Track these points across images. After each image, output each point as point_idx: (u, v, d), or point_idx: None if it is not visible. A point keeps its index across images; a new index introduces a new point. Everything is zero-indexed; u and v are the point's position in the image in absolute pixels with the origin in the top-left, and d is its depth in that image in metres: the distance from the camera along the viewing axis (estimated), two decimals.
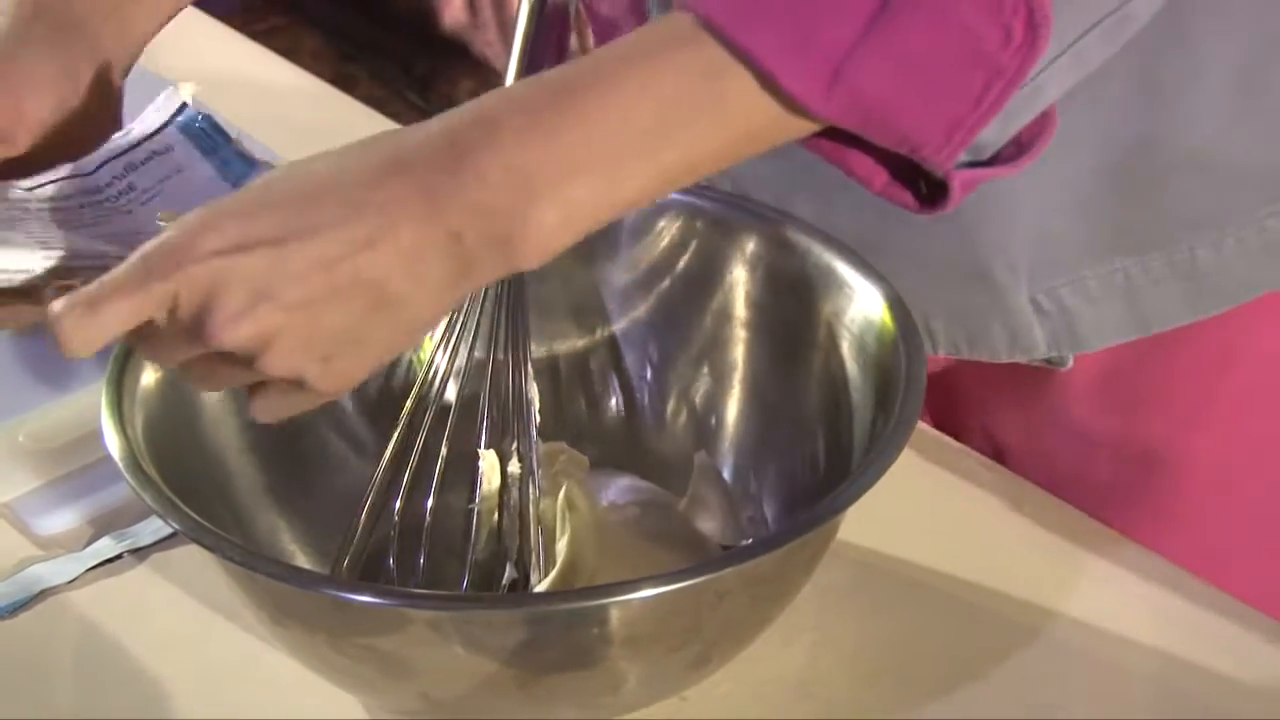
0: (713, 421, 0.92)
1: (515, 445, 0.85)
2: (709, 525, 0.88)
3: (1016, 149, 0.73)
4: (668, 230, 0.91)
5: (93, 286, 0.65)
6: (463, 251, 0.65)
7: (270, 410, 0.71)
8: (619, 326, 0.94)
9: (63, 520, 0.92)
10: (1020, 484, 0.96)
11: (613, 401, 0.94)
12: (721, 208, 0.90)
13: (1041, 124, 0.74)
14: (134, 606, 0.88)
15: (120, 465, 0.76)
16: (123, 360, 0.82)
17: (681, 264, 0.92)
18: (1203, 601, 0.88)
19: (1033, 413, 1.01)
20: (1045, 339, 0.96)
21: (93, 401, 0.96)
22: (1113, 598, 0.88)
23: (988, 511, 0.94)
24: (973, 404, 1.05)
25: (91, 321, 0.65)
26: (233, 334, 0.65)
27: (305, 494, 0.88)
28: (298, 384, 0.68)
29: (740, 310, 0.90)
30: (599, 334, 0.94)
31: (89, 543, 0.91)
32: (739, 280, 0.90)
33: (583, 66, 0.68)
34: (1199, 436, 0.99)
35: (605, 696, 0.78)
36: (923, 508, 0.92)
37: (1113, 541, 0.92)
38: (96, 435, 0.94)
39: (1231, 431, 1.00)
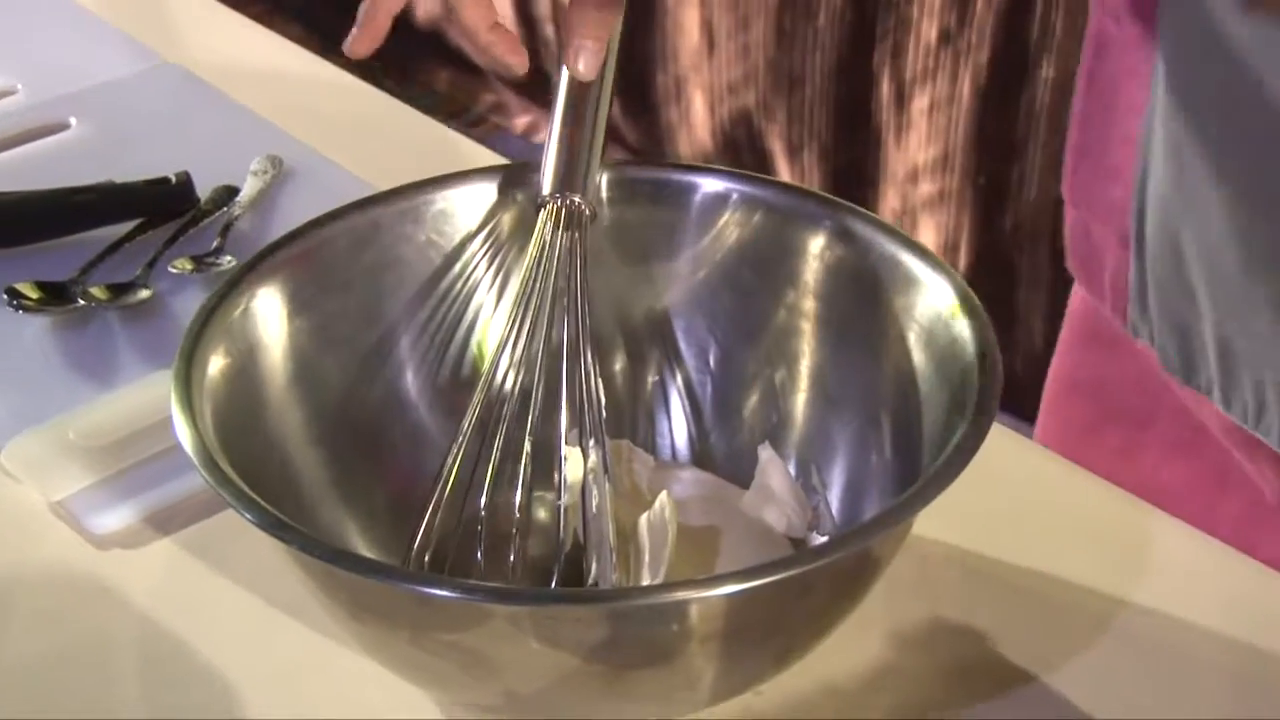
0: (777, 415, 0.91)
1: (590, 441, 0.85)
2: (774, 517, 0.89)
3: None
4: (731, 223, 0.91)
5: None
6: None
7: None
8: (682, 320, 0.94)
9: (118, 518, 0.92)
10: (1083, 475, 0.97)
11: (676, 396, 0.94)
12: (785, 199, 0.90)
13: None
14: (196, 605, 0.88)
15: (194, 460, 0.76)
16: (189, 354, 0.81)
17: (745, 257, 0.92)
18: (1273, 589, 0.88)
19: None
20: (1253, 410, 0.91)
21: (139, 398, 0.98)
22: (1180, 586, 0.89)
23: (1050, 502, 0.95)
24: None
25: None
26: None
27: (369, 488, 0.88)
28: None
29: (805, 303, 0.90)
30: (663, 328, 0.94)
31: None
32: (803, 273, 0.90)
33: None
34: None
35: (684, 691, 0.78)
36: (985, 499, 0.92)
37: (1176, 531, 0.92)
38: (147, 432, 0.96)
39: None
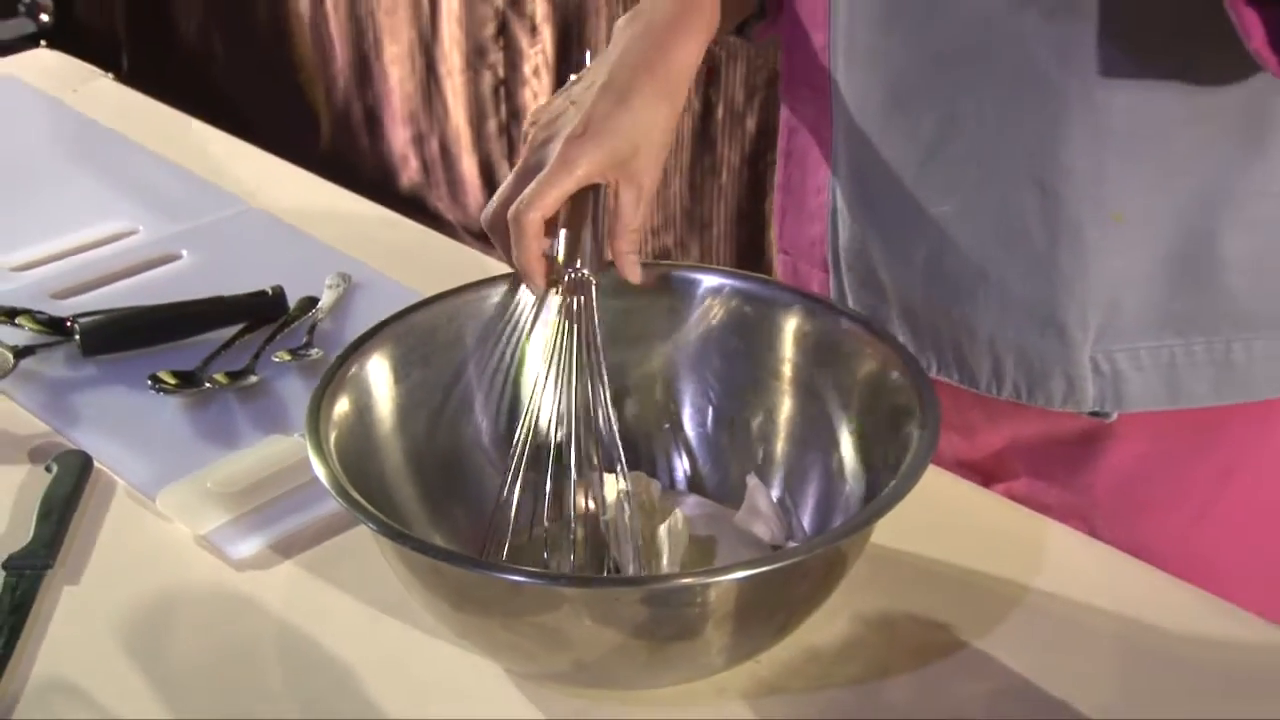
0: (760, 454, 0.93)
1: (618, 471, 0.87)
2: (761, 530, 0.90)
3: None
4: (723, 308, 0.93)
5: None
6: None
7: None
8: (682, 381, 0.95)
9: (250, 546, 0.93)
10: (988, 495, 0.99)
11: (677, 440, 0.96)
12: (764, 289, 0.93)
13: None
14: (318, 611, 0.89)
15: (330, 489, 0.78)
16: (316, 412, 0.83)
17: (733, 332, 0.94)
18: (1140, 574, 0.91)
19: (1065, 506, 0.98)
20: (1095, 395, 0.93)
21: (258, 455, 0.99)
22: (1068, 573, 0.91)
23: (968, 514, 0.97)
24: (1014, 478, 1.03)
25: None
26: None
27: (450, 511, 0.89)
28: None
29: (780, 367, 0.92)
30: (668, 387, 0.95)
31: None
32: (778, 344, 0.92)
33: None
34: (1204, 536, 0.96)
35: (704, 658, 0.79)
36: (921, 512, 0.90)
37: (1065, 532, 0.95)
38: (268, 480, 0.97)
39: (1238, 535, 0.96)
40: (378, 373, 0.89)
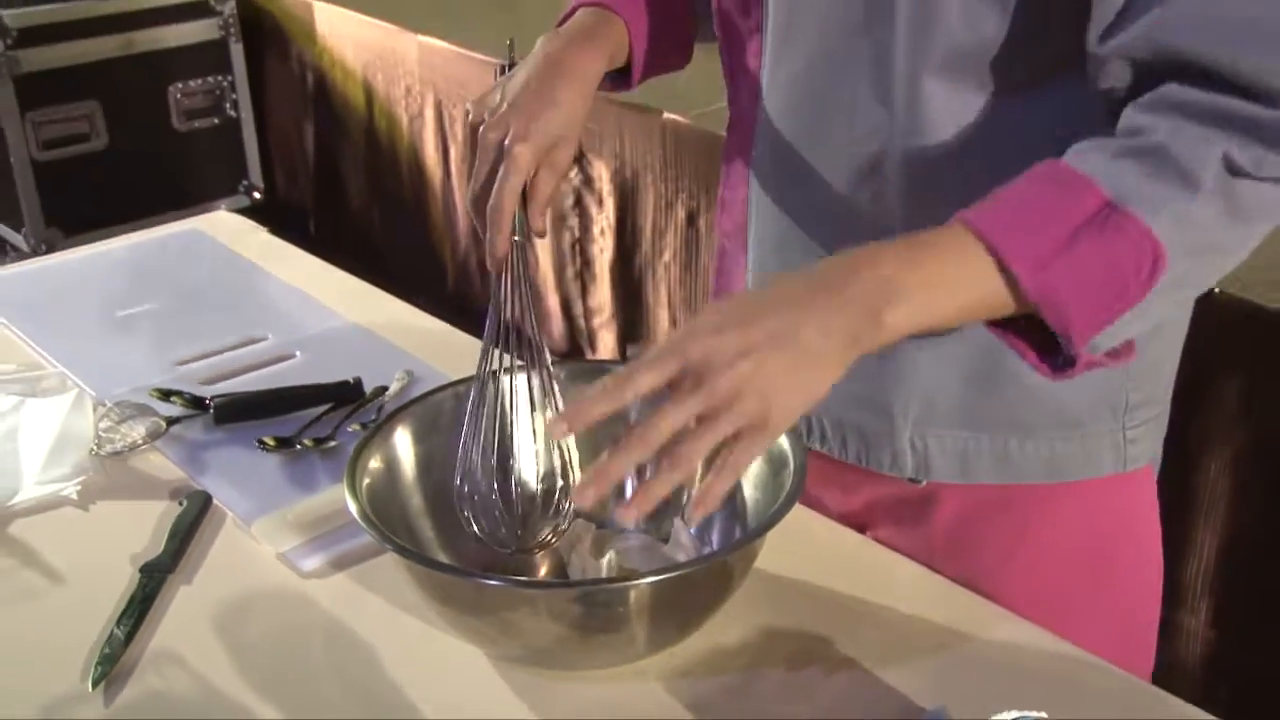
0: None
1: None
2: (682, 558, 0.92)
3: (1116, 354, 0.74)
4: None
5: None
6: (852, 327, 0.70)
7: (743, 455, 0.69)
8: None
9: (314, 562, 0.96)
10: (856, 536, 1.00)
11: (624, 491, 0.95)
12: None
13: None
14: (359, 610, 0.92)
15: (361, 523, 0.82)
16: (354, 463, 0.87)
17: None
18: (963, 597, 0.93)
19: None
20: (911, 466, 0.95)
21: (327, 497, 1.02)
22: (912, 595, 0.92)
23: (839, 551, 0.99)
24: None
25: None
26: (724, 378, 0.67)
27: (455, 539, 0.91)
28: (755, 426, 0.68)
29: None
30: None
31: None
32: None
33: (923, 239, 0.71)
34: (1011, 573, 0.96)
35: (628, 648, 0.82)
36: (806, 549, 0.96)
37: (912, 565, 0.96)
38: (331, 515, 0.99)
39: (1033, 574, 0.96)
40: (401, 438, 0.93)
